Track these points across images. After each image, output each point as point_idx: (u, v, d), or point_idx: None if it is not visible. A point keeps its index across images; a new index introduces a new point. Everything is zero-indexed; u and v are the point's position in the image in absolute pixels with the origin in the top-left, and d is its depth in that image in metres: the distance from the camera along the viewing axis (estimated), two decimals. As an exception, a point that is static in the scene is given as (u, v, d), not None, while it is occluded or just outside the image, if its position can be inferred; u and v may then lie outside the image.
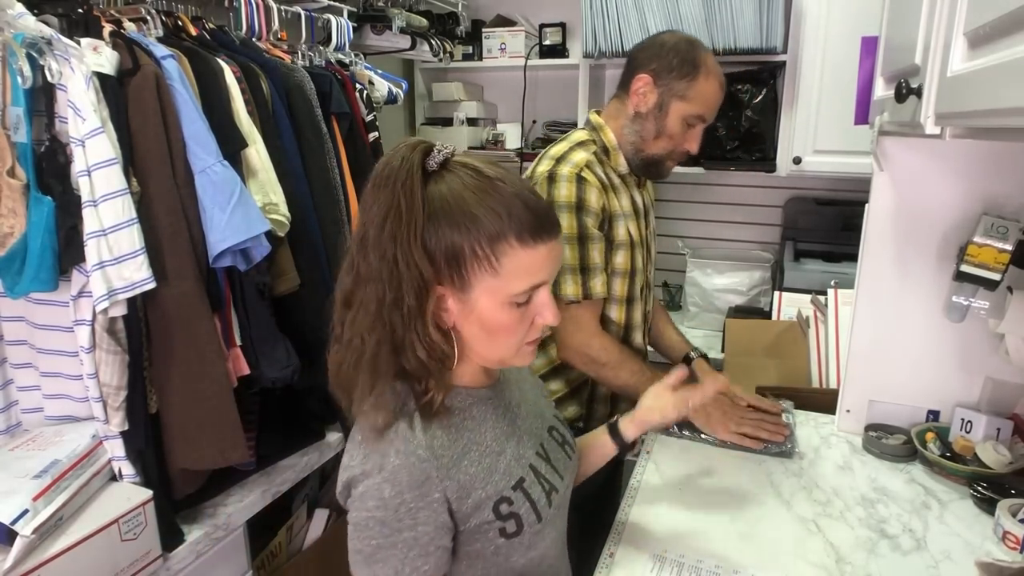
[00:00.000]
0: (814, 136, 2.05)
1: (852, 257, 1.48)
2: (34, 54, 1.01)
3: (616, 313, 1.38)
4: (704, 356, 1.53)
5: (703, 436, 1.34)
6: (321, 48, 1.69)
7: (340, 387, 0.77)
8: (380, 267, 0.71)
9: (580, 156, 1.29)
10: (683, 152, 1.34)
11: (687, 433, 1.37)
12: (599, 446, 1.04)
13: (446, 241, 0.71)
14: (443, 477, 0.74)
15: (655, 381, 1.21)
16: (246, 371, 1.29)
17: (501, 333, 0.76)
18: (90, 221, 1.04)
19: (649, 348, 1.57)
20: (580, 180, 1.25)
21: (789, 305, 1.98)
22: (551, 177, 1.26)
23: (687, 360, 1.51)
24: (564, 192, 1.25)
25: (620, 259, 1.34)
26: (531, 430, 0.88)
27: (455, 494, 0.74)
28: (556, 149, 1.33)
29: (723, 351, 2.00)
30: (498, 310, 0.74)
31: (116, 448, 1.15)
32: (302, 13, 1.65)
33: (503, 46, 2.52)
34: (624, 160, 1.37)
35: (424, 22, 2.31)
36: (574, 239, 1.26)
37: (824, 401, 1.54)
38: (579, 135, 1.38)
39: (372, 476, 0.72)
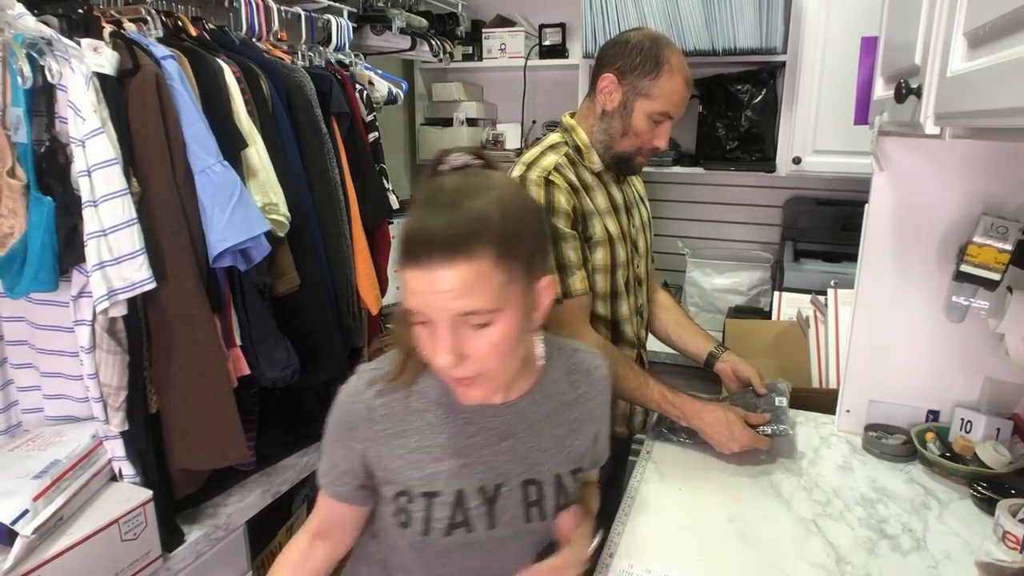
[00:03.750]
0: (814, 136, 2.05)
1: (852, 257, 1.49)
2: (34, 54, 1.01)
3: (602, 308, 1.40)
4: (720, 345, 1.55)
5: (701, 440, 1.34)
6: (321, 48, 1.69)
7: None
8: None
9: (549, 160, 1.32)
10: (652, 148, 1.36)
11: (685, 439, 1.37)
12: None
13: None
14: (367, 438, 0.83)
15: (645, 387, 1.32)
16: (246, 371, 1.29)
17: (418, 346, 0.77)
18: (90, 221, 1.04)
19: (652, 338, 1.62)
20: (548, 183, 1.27)
21: (789, 305, 1.98)
22: (521, 181, 1.29)
23: (709, 362, 1.52)
24: (533, 196, 1.27)
25: (599, 255, 1.36)
26: (493, 467, 0.85)
27: (374, 456, 0.84)
28: (529, 154, 1.36)
29: (723, 351, 2.00)
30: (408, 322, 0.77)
31: (116, 448, 1.15)
32: (302, 13, 1.65)
33: (503, 46, 2.52)
34: (598, 158, 1.39)
35: (424, 22, 2.31)
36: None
37: (824, 401, 1.54)
38: (552, 138, 1.41)
39: (339, 397, 0.86)
